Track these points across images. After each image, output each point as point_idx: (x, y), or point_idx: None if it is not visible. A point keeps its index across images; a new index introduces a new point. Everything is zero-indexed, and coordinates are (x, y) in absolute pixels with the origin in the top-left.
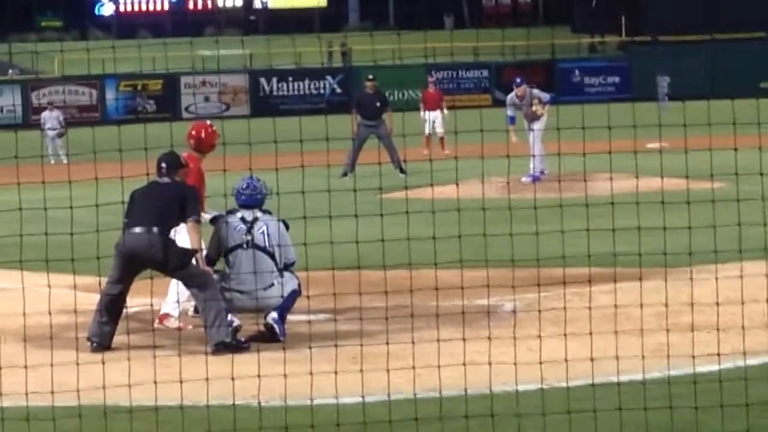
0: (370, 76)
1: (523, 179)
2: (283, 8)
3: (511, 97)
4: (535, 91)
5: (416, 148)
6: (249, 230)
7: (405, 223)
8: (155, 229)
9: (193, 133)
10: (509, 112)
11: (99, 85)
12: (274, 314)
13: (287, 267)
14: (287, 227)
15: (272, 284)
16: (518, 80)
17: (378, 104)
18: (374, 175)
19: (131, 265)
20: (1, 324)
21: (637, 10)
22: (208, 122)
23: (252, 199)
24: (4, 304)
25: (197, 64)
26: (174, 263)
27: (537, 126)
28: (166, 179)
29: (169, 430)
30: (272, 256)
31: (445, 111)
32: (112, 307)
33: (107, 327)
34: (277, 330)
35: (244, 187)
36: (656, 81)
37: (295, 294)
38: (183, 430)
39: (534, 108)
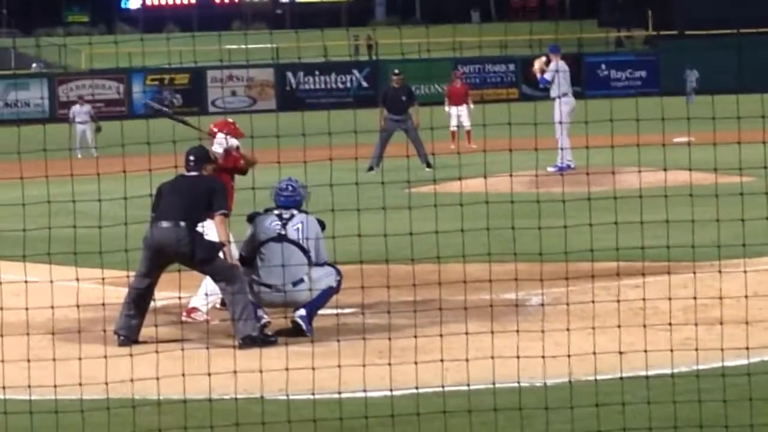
0: (396, 71)
1: (549, 168)
2: (310, 2)
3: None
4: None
5: (443, 142)
6: (284, 226)
7: (433, 217)
8: (182, 224)
9: (215, 130)
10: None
11: (126, 79)
12: (302, 311)
13: (322, 264)
14: (323, 227)
15: (302, 280)
16: (551, 48)
17: (404, 98)
18: (401, 169)
19: (159, 259)
20: (29, 317)
21: (665, 4)
22: (231, 120)
23: (291, 200)
24: (32, 297)
25: (224, 57)
26: (201, 257)
27: (557, 117)
28: (193, 173)
29: (197, 424)
30: (305, 251)
31: (471, 105)
32: (139, 301)
33: (135, 320)
34: (304, 327)
35: (283, 188)
36: (684, 75)
37: (330, 291)
38: (211, 423)
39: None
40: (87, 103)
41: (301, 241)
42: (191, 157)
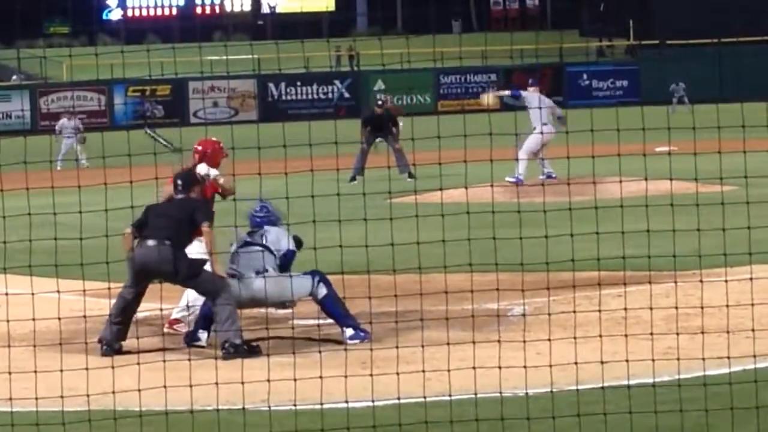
0: (380, 102)
1: (540, 177)
2: (292, 13)
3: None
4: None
5: (426, 152)
6: (251, 235)
7: (414, 227)
8: (167, 243)
9: (200, 148)
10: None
11: (107, 91)
12: (348, 332)
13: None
14: (299, 245)
15: (266, 269)
16: (531, 81)
17: (388, 123)
18: (383, 179)
19: (143, 275)
20: (11, 329)
21: (646, 14)
22: (215, 139)
23: (265, 220)
24: (13, 309)
25: (205, 69)
26: (184, 274)
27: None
28: (181, 195)
29: None
30: (272, 253)
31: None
32: (125, 310)
33: (119, 329)
34: (362, 336)
35: (257, 209)
36: (671, 89)
37: (328, 299)
38: None
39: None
40: (74, 116)
41: (266, 243)
42: (179, 182)
